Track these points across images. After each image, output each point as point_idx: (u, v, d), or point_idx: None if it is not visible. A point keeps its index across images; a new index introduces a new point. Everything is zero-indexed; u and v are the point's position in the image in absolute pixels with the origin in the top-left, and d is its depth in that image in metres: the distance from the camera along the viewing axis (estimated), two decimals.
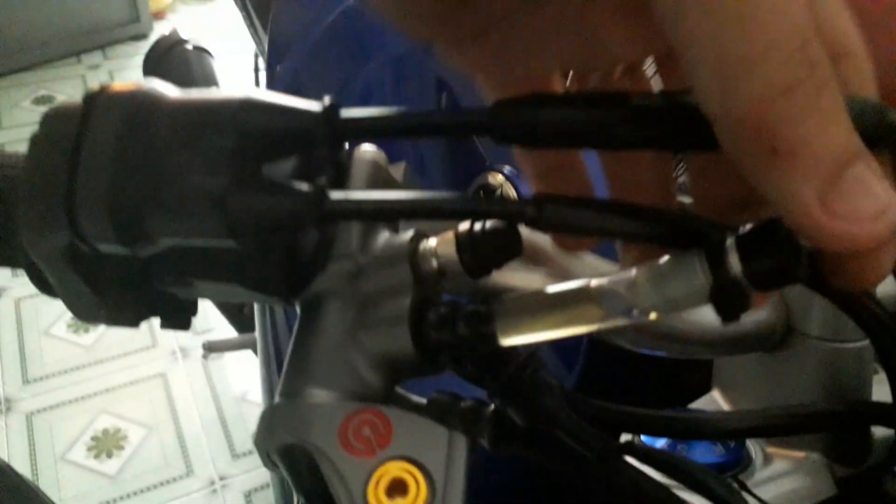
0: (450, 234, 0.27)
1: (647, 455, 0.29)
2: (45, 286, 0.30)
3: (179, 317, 0.34)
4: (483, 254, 0.26)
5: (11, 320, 1.89)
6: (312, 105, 0.22)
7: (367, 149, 0.30)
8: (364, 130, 0.21)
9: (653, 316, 0.22)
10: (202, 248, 0.28)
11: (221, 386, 1.77)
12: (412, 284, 0.27)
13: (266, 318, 1.05)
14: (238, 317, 1.33)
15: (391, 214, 0.21)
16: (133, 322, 0.30)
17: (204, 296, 0.32)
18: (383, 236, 0.28)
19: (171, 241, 0.23)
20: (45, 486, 1.57)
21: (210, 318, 1.81)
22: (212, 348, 1.34)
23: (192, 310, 0.34)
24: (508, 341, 0.27)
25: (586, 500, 0.31)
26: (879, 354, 0.33)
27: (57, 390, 1.75)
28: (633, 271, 0.22)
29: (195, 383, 1.77)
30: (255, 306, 1.09)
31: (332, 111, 0.21)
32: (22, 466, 1.60)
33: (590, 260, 0.37)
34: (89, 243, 0.23)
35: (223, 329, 1.53)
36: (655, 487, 0.29)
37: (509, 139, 0.21)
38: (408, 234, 0.28)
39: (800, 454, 0.37)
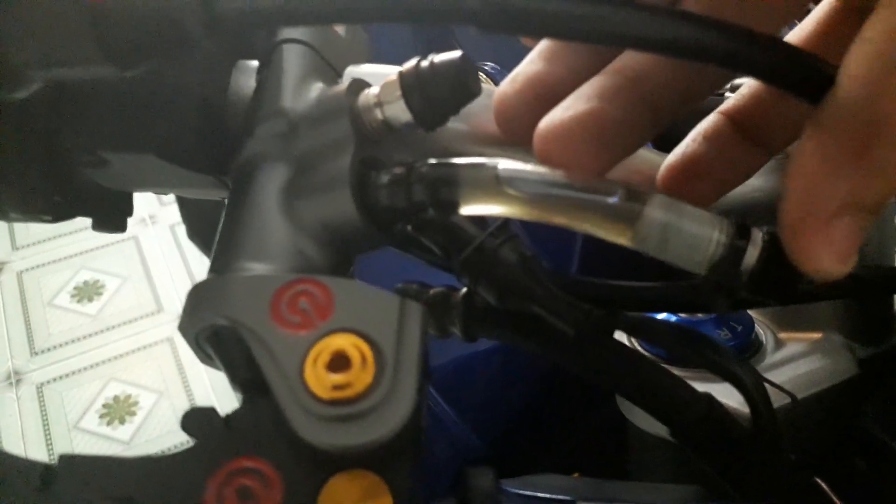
0: (393, 78, 0.23)
1: (638, 327, 0.25)
2: None
3: (112, 217, 0.30)
4: (434, 95, 0.22)
5: (15, 294, 1.88)
6: None
7: None
8: None
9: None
10: (107, 100, 0.24)
11: None
12: (353, 140, 0.23)
13: None
14: None
15: (299, 15, 0.17)
16: (46, 212, 0.26)
17: (127, 182, 0.28)
18: (317, 88, 0.24)
19: (40, 74, 0.19)
20: None
21: None
22: None
23: (127, 207, 0.31)
24: (471, 210, 0.23)
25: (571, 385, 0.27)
26: None
27: (65, 360, 1.74)
28: (655, 196, 0.20)
29: None
30: None
31: None
32: (35, 437, 1.60)
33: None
34: None
35: None
36: (647, 364, 0.25)
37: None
38: (344, 84, 0.24)
39: (816, 335, 0.33)
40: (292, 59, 0.25)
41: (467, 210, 0.23)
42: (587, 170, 0.21)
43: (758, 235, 0.19)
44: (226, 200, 0.25)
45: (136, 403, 1.66)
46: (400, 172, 0.23)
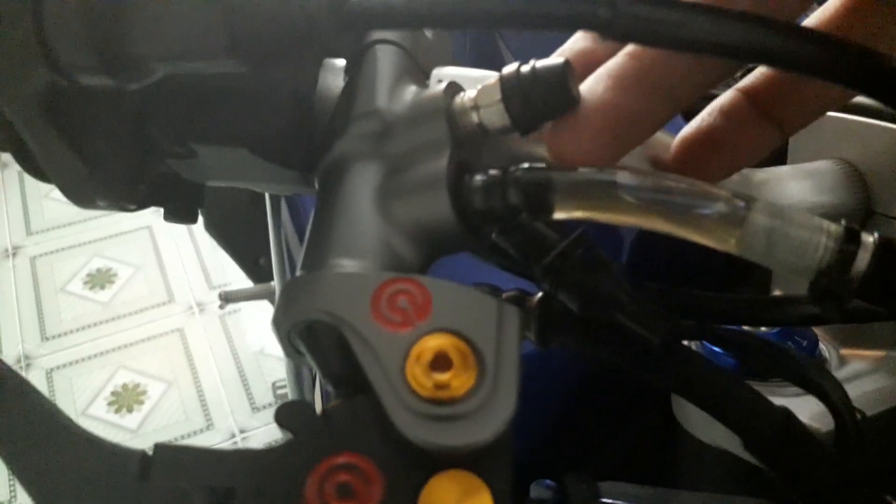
0: (492, 82, 0.23)
1: (723, 337, 0.25)
2: (33, 166, 0.27)
3: (185, 207, 0.30)
4: (534, 100, 0.22)
5: (28, 278, 1.88)
6: None
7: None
8: None
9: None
10: (204, 93, 0.24)
11: (239, 340, 1.75)
12: (449, 142, 0.23)
13: (284, 264, 1.02)
14: (254, 268, 1.31)
15: (427, 19, 0.17)
16: (132, 201, 0.26)
17: (209, 174, 0.28)
18: (411, 90, 0.24)
19: (163, 66, 0.19)
20: None
21: (227, 273, 1.80)
22: (228, 298, 1.32)
23: (198, 199, 0.31)
24: (565, 214, 0.23)
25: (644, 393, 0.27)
26: None
27: (75, 347, 1.74)
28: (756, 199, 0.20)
29: (213, 338, 1.76)
30: (273, 253, 1.06)
31: None
32: None
33: None
34: (68, 75, 0.19)
35: (240, 283, 1.51)
36: (725, 376, 0.25)
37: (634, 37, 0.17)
38: (441, 86, 0.24)
39: (879, 353, 0.33)
40: (386, 59, 0.25)
41: (561, 215, 0.23)
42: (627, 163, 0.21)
43: (869, 240, 0.19)
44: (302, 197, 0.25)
45: (144, 392, 1.66)
46: (495, 175, 0.23)
